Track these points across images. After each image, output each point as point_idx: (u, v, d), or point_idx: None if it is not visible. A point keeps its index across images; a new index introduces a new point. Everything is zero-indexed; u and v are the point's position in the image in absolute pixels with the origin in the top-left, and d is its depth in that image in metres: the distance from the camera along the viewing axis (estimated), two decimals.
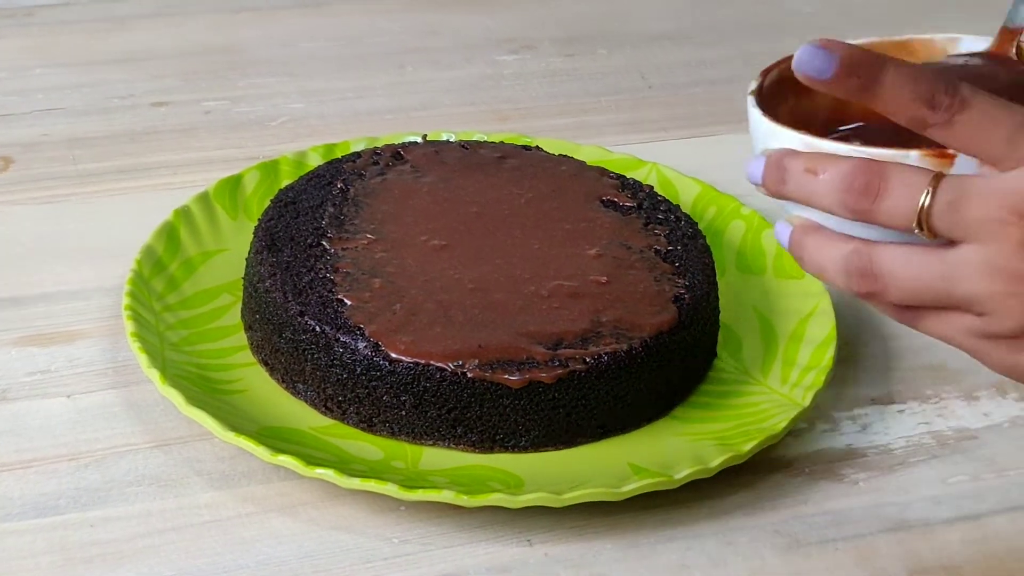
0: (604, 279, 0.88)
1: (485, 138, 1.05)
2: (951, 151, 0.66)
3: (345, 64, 1.23)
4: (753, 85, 0.73)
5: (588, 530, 0.80)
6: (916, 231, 0.66)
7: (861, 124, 0.75)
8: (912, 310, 0.69)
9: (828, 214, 0.68)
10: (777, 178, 0.69)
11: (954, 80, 0.65)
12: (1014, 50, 0.76)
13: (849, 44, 0.67)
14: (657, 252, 0.91)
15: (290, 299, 0.85)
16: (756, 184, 0.70)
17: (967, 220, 0.65)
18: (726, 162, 1.11)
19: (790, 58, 0.70)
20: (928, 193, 0.65)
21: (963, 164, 0.66)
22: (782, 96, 0.73)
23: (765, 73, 0.74)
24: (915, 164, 0.66)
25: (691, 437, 0.85)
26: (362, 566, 0.77)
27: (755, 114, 0.71)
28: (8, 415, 0.85)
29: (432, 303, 0.85)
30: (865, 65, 0.65)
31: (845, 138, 0.72)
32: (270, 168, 1.02)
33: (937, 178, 0.65)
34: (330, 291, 0.86)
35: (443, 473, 0.81)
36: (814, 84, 0.66)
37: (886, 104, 0.66)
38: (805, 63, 0.66)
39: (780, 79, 0.73)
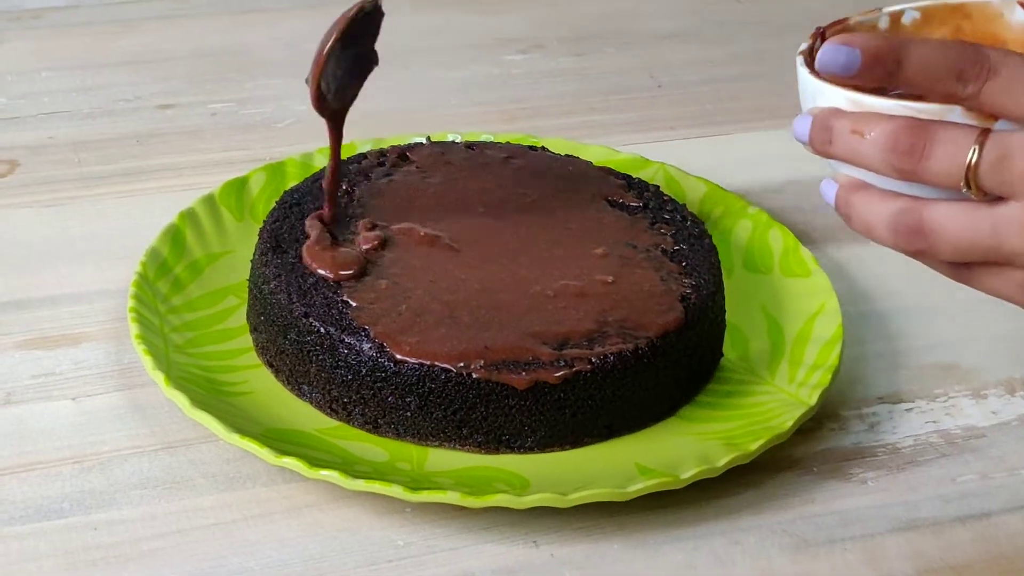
0: (610, 279, 0.88)
1: (491, 138, 1.04)
2: None
3: None
4: (804, 46, 0.73)
5: (594, 531, 0.80)
6: (964, 189, 0.66)
7: None
8: (964, 267, 0.69)
9: (872, 172, 0.69)
10: (823, 138, 0.70)
11: (980, 49, 0.66)
12: None
13: (869, 35, 0.68)
14: (663, 252, 0.91)
15: (295, 300, 0.85)
16: (803, 143, 0.71)
17: (1014, 176, 0.65)
18: (734, 161, 1.11)
19: (842, 21, 0.72)
20: (975, 151, 0.66)
21: None
22: None
23: (817, 34, 0.74)
24: (959, 118, 0.67)
25: (698, 437, 0.84)
26: (367, 568, 0.77)
27: (803, 72, 0.72)
28: (12, 418, 0.85)
29: (437, 304, 0.85)
30: (888, 52, 0.67)
31: (893, 93, 0.72)
32: (276, 170, 1.02)
33: (983, 135, 0.66)
34: (335, 292, 0.85)
35: (448, 474, 0.81)
36: (843, 80, 0.68)
37: (916, 84, 0.67)
38: (829, 62, 0.67)
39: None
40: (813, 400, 0.85)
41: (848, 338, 0.91)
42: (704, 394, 0.88)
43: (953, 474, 0.85)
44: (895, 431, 0.88)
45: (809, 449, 0.86)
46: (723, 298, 0.91)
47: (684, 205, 0.96)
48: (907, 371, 0.92)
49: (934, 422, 0.88)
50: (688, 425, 0.85)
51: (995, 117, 0.67)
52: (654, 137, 1.14)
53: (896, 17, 0.76)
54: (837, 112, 0.69)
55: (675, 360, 0.85)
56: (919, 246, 0.68)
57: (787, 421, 0.83)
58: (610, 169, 0.99)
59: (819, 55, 0.68)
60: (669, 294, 0.87)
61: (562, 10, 1.35)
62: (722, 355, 0.90)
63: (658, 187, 0.98)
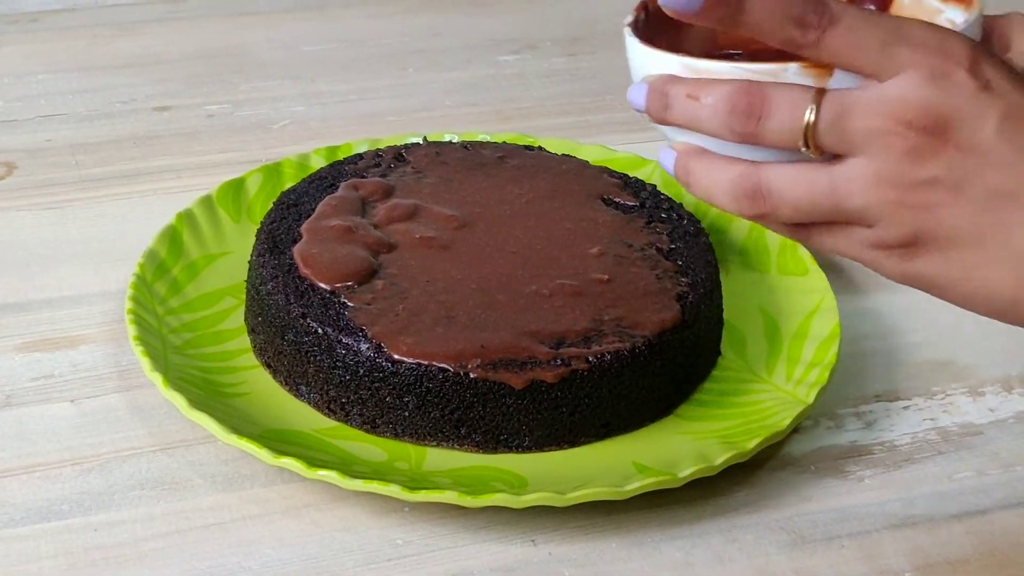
0: (606, 278, 0.88)
1: (487, 138, 1.05)
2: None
3: (347, 66, 1.23)
4: (629, 18, 0.73)
5: (592, 529, 0.80)
6: (803, 149, 0.66)
7: (739, 52, 0.75)
8: (804, 227, 0.69)
9: (712, 138, 0.68)
10: (660, 105, 0.69)
11: None
12: None
13: None
14: (659, 250, 0.91)
15: (292, 301, 0.85)
16: (639, 111, 0.70)
17: (852, 133, 0.65)
18: None
19: None
20: (812, 110, 0.66)
21: (842, 75, 0.66)
22: (659, 30, 0.73)
23: (642, 6, 0.74)
24: (794, 77, 0.67)
25: (695, 435, 0.84)
26: (365, 567, 0.77)
27: (632, 42, 0.71)
28: (12, 420, 0.85)
29: (434, 304, 0.85)
30: None
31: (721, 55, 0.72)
32: (272, 171, 1.02)
33: (819, 94, 0.66)
34: (332, 293, 0.86)
35: (446, 474, 0.81)
36: (683, 17, 0.67)
37: (757, 28, 0.66)
38: None
39: (656, 13, 0.73)
40: (810, 398, 0.85)
41: (845, 336, 0.91)
42: (701, 392, 0.88)
43: (950, 471, 0.85)
44: (892, 429, 0.88)
45: (806, 447, 0.86)
46: (720, 296, 0.91)
47: (680, 203, 0.96)
48: (904, 369, 0.92)
49: (931, 419, 0.89)
50: (685, 424, 0.86)
51: (830, 71, 0.67)
52: (648, 136, 1.14)
53: None
54: (672, 78, 0.69)
55: (672, 359, 0.85)
56: (759, 209, 0.68)
57: (784, 419, 0.84)
58: (606, 168, 0.99)
59: None
60: (665, 293, 0.87)
61: (555, 11, 1.35)
62: (719, 353, 0.91)
63: (654, 186, 0.98)
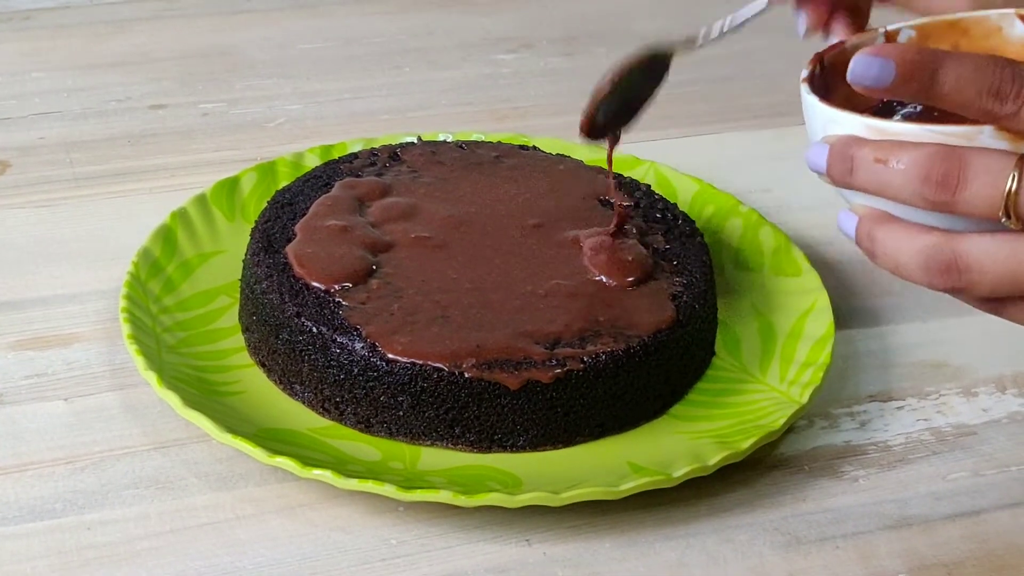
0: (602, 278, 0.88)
1: (483, 138, 1.05)
2: None
3: (342, 65, 1.23)
4: (805, 72, 0.70)
5: (587, 529, 0.80)
6: (1003, 219, 0.63)
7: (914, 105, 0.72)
8: (998, 300, 0.66)
9: (898, 203, 0.65)
10: (844, 168, 0.66)
11: (1017, 65, 0.62)
12: None
13: (902, 46, 0.64)
14: (655, 250, 0.91)
15: (287, 300, 0.85)
16: (819, 173, 0.67)
17: None
18: (724, 160, 1.12)
19: (839, 44, 0.69)
20: (1014, 178, 0.62)
21: None
22: (834, 81, 0.70)
23: (816, 59, 0.71)
24: (988, 141, 0.63)
25: (690, 435, 0.84)
26: (360, 567, 0.77)
27: (811, 100, 0.68)
28: (5, 418, 0.85)
29: (430, 303, 0.85)
30: (923, 65, 0.63)
31: (911, 117, 0.69)
32: (267, 169, 1.02)
33: (1021, 160, 0.62)
34: (327, 292, 0.85)
35: (441, 473, 0.81)
36: (873, 92, 0.64)
37: (951, 102, 0.63)
38: (861, 74, 0.63)
39: (833, 64, 0.71)
40: (804, 398, 0.85)
41: (839, 336, 0.91)
42: (696, 393, 0.88)
43: (944, 472, 0.85)
44: (886, 429, 0.88)
45: (800, 447, 0.86)
46: (714, 297, 0.91)
47: (675, 204, 0.97)
48: (898, 369, 0.92)
49: (925, 420, 0.89)
50: (680, 424, 0.86)
51: None
52: (645, 136, 1.13)
53: (892, 36, 0.73)
54: (857, 140, 0.65)
55: (667, 359, 0.85)
56: (955, 283, 0.64)
57: (779, 419, 0.83)
58: (601, 168, 0.99)
59: (851, 66, 0.63)
60: (661, 293, 0.87)
61: (551, 10, 1.35)
62: (714, 354, 0.91)
63: (649, 186, 0.98)
